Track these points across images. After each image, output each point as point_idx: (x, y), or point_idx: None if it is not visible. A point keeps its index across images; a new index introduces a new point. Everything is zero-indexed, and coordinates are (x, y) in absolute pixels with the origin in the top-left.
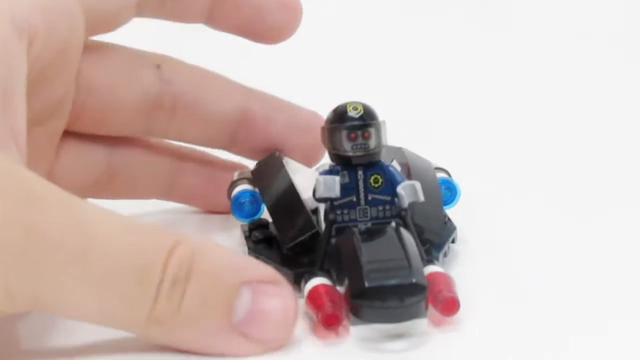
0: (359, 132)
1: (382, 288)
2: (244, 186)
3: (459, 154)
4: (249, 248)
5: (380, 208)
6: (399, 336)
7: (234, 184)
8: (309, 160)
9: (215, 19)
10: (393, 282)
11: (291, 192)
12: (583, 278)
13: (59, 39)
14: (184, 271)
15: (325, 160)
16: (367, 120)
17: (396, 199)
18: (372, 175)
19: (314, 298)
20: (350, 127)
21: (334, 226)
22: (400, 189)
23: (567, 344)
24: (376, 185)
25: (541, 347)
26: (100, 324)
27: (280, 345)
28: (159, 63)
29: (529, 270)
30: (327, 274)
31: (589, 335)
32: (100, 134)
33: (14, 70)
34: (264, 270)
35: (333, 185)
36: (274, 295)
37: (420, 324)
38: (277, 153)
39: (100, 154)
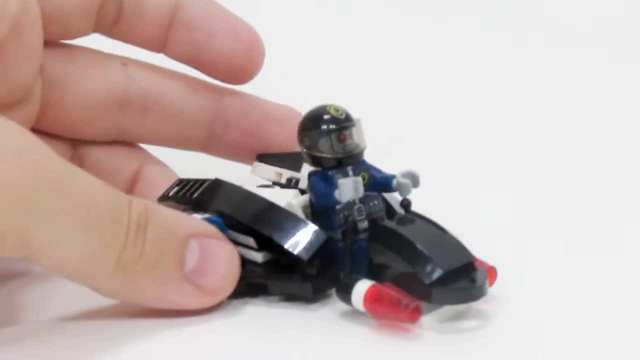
0: (347, 133)
1: (453, 271)
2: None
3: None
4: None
5: (371, 204)
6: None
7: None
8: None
9: (169, 45)
10: (460, 263)
11: (274, 206)
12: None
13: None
14: (143, 220)
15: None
16: (351, 120)
17: (381, 193)
18: (360, 172)
19: (381, 298)
20: (340, 129)
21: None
22: (401, 179)
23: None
24: (364, 183)
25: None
26: (75, 272)
27: (225, 296)
28: (125, 62)
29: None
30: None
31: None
32: (68, 135)
33: None
34: (207, 225)
35: (358, 187)
36: (219, 247)
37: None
38: (217, 179)
39: None
